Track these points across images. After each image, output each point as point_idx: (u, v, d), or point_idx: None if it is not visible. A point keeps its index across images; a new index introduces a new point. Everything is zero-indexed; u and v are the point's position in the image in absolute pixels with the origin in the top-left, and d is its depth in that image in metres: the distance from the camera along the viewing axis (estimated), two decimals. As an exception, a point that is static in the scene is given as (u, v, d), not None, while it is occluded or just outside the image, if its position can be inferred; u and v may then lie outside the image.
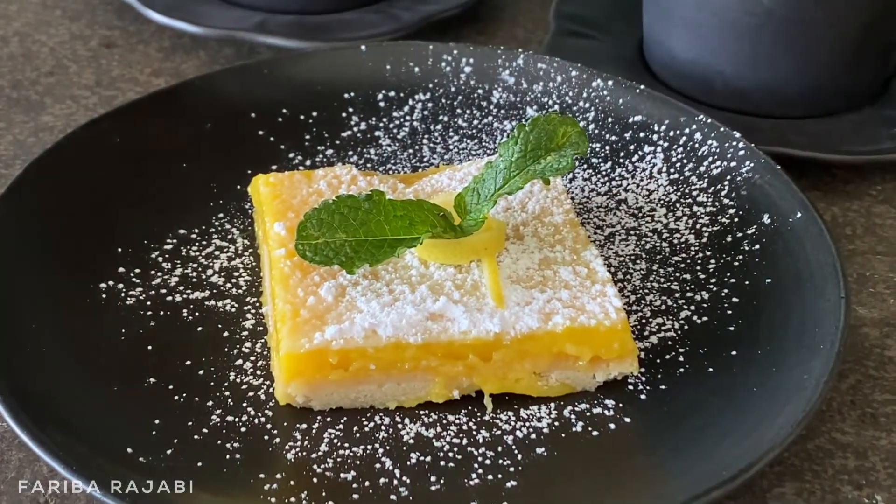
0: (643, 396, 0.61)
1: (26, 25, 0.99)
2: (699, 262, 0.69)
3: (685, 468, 0.56)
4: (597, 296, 0.61)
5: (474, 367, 0.60)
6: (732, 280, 0.67)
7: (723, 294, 0.67)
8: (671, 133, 0.77)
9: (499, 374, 0.60)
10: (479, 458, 0.57)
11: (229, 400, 0.60)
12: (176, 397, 0.60)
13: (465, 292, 0.62)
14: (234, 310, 0.66)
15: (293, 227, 0.63)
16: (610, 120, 0.79)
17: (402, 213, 0.62)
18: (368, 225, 0.61)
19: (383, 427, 0.59)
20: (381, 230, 0.62)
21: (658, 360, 0.63)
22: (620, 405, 0.60)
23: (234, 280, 0.68)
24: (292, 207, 0.67)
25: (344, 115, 0.82)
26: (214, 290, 0.67)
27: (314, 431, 0.59)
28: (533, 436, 0.59)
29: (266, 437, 0.58)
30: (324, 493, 0.55)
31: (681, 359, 0.63)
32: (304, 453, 0.57)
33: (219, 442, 0.58)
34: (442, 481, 0.56)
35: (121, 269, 0.68)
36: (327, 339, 0.59)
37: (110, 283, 0.67)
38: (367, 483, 0.56)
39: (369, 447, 0.58)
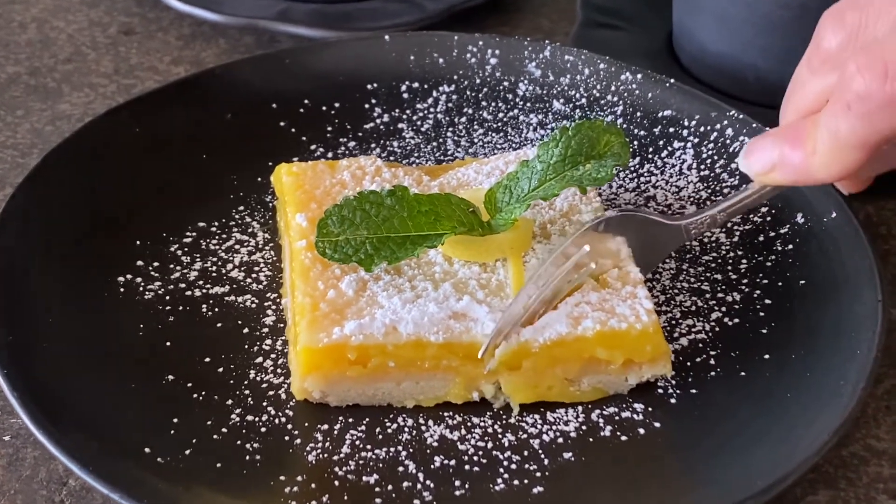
0: (673, 400, 0.59)
1: (44, 11, 0.98)
2: (730, 261, 0.68)
3: (717, 476, 0.55)
4: (627, 298, 0.60)
5: (503, 377, 0.58)
6: (765, 281, 0.66)
7: (755, 295, 0.65)
8: (702, 128, 0.75)
9: (530, 382, 0.58)
10: (505, 463, 0.56)
11: (249, 399, 0.59)
12: (195, 395, 0.59)
13: (490, 292, 0.60)
14: (254, 305, 0.65)
15: (315, 219, 0.62)
16: (639, 114, 0.78)
17: (427, 209, 0.61)
18: (391, 221, 0.60)
19: (406, 429, 0.58)
20: (404, 227, 0.60)
21: (688, 363, 0.61)
22: (650, 409, 0.59)
23: (254, 275, 0.67)
24: (315, 198, 0.66)
25: (367, 106, 0.80)
26: (234, 285, 0.66)
27: (336, 432, 0.57)
28: (560, 440, 0.57)
29: (287, 438, 0.57)
30: (346, 497, 0.53)
31: (712, 362, 0.61)
32: (326, 455, 0.56)
33: (238, 442, 0.56)
34: (466, 486, 0.55)
35: (139, 263, 0.67)
36: (346, 335, 0.57)
37: (128, 276, 0.66)
38: (389, 487, 0.54)
39: (392, 449, 0.56)
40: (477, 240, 0.62)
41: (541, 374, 0.58)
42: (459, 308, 0.59)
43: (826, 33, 0.52)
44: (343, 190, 0.67)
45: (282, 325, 0.64)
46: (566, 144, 0.62)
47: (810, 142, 0.51)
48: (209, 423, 0.57)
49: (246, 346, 0.62)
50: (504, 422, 0.58)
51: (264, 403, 0.59)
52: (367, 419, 0.58)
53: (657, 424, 0.58)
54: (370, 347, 0.57)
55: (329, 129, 0.79)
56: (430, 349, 0.58)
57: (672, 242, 0.63)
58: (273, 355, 0.62)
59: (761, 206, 0.70)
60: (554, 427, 0.58)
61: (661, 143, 0.76)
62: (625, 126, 0.77)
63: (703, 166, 0.74)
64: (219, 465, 0.55)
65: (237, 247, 0.69)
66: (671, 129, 0.76)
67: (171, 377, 0.60)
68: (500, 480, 0.55)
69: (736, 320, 0.64)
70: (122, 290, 0.65)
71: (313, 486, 0.54)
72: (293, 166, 0.69)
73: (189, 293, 0.65)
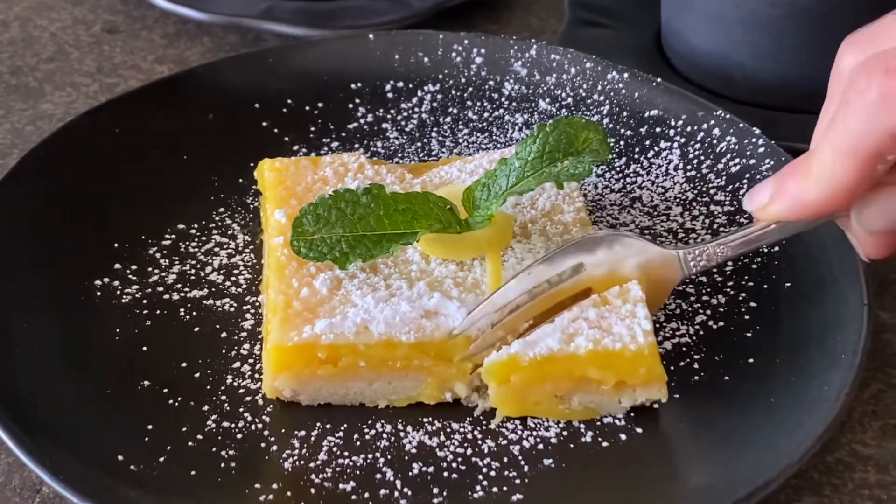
0: (655, 405, 0.58)
1: (28, 9, 0.97)
2: (716, 263, 0.67)
3: (700, 482, 0.54)
4: (626, 316, 0.57)
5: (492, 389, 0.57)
6: (750, 283, 0.65)
7: (740, 298, 0.64)
8: (688, 128, 0.74)
9: (517, 396, 0.57)
10: (484, 470, 0.55)
11: (225, 404, 0.58)
12: (170, 401, 0.58)
13: (465, 289, 0.60)
14: (232, 309, 0.64)
15: (294, 215, 0.61)
16: (625, 114, 0.77)
17: (404, 207, 0.60)
18: (367, 219, 0.60)
19: (385, 435, 0.57)
20: (380, 225, 0.60)
21: (672, 368, 0.60)
22: (632, 415, 0.58)
23: (233, 278, 0.66)
24: (296, 195, 0.65)
25: (350, 106, 0.79)
26: (213, 289, 0.65)
27: (313, 439, 0.57)
28: (540, 446, 0.56)
29: (263, 445, 0.56)
30: (321, 505, 0.53)
31: (696, 366, 0.60)
32: (302, 462, 0.55)
33: (213, 449, 0.55)
34: (445, 493, 0.54)
35: (117, 266, 0.66)
36: (317, 334, 0.57)
37: (105, 280, 0.65)
38: (366, 495, 0.53)
39: (370, 456, 0.56)
40: (455, 237, 0.61)
41: (529, 388, 0.57)
42: (431, 306, 0.58)
43: (844, 57, 0.53)
44: (325, 187, 0.66)
45: (260, 329, 0.63)
46: (544, 141, 0.61)
47: (806, 165, 0.51)
48: (184, 429, 0.56)
49: (223, 351, 0.61)
50: (484, 427, 0.57)
51: (241, 409, 0.58)
52: (345, 425, 0.57)
53: (639, 430, 0.57)
54: (341, 347, 0.57)
55: (312, 129, 0.78)
56: (401, 349, 0.57)
57: (670, 276, 0.60)
58: (251, 360, 0.61)
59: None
60: (534, 433, 0.57)
61: (647, 142, 0.75)
62: (611, 126, 0.76)
63: (689, 167, 0.73)
64: (193, 472, 0.54)
65: (217, 249, 0.68)
66: (658, 129, 0.75)
67: (146, 383, 0.59)
68: (479, 488, 0.54)
69: (721, 324, 0.63)
70: (98, 293, 0.64)
71: (289, 493, 0.53)
72: (276, 161, 0.68)
73: (167, 297, 0.64)
